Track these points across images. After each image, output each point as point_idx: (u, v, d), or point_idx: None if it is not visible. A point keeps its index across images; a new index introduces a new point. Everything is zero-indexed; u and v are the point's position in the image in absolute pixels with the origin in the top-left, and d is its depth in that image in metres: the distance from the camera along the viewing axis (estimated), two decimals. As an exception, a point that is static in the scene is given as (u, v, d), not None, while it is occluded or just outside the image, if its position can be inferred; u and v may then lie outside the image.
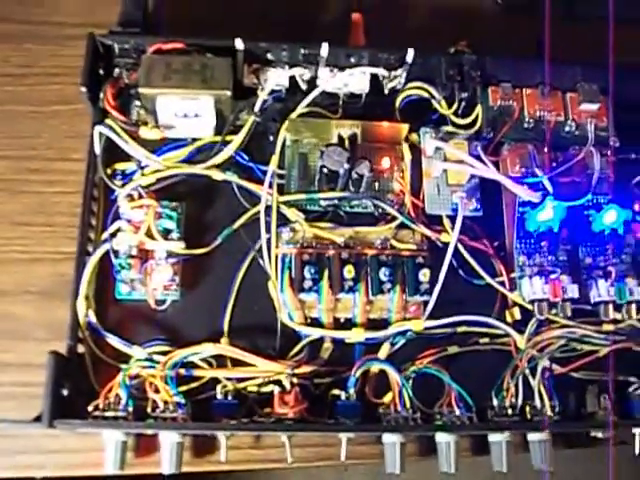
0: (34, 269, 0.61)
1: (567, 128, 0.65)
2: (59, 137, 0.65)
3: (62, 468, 0.57)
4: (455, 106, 0.64)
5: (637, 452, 0.59)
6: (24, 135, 0.65)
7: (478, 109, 0.64)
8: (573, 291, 0.59)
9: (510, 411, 0.58)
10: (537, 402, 0.57)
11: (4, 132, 0.65)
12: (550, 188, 0.59)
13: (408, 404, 0.56)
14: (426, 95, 0.65)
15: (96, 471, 0.56)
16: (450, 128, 0.63)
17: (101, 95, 0.60)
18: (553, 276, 0.59)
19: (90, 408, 0.54)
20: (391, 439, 0.55)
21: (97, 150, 0.59)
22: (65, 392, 0.53)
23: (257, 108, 0.61)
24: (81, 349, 0.57)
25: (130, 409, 0.54)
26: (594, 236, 0.62)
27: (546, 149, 0.63)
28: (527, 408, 0.58)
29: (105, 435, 0.54)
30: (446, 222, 0.62)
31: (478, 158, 0.60)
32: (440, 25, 0.73)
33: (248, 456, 0.58)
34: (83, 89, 0.59)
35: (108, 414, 0.54)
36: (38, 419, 0.52)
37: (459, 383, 0.58)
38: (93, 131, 0.59)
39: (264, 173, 0.60)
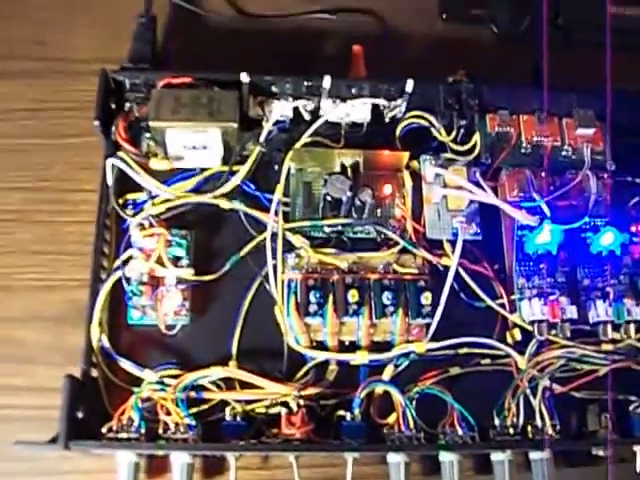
0: (48, 296, 0.63)
1: (564, 153, 0.66)
2: (72, 169, 0.67)
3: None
4: (454, 133, 0.66)
5: (638, 469, 0.60)
6: (38, 167, 0.67)
7: (476, 136, 0.65)
8: (572, 312, 0.60)
9: (512, 430, 0.59)
10: (538, 421, 0.59)
11: (19, 164, 0.67)
12: (547, 212, 0.61)
13: (412, 424, 0.57)
14: (426, 123, 0.66)
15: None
16: (449, 155, 0.65)
17: (113, 128, 0.62)
18: (552, 297, 0.61)
19: (104, 430, 0.55)
20: (396, 459, 0.57)
21: (109, 181, 0.62)
22: (80, 415, 0.55)
23: (262, 139, 0.63)
24: (95, 373, 0.58)
25: (142, 431, 0.56)
26: (592, 258, 0.63)
27: (543, 173, 0.64)
28: (528, 427, 0.59)
29: (118, 456, 0.56)
30: (447, 246, 0.63)
31: (477, 184, 0.62)
32: (438, 55, 0.75)
33: (257, 476, 0.60)
34: (96, 123, 0.61)
35: (121, 435, 0.55)
36: (54, 441, 0.53)
37: (461, 403, 0.59)
38: (105, 163, 0.61)
39: (270, 201, 0.62)
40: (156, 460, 0.59)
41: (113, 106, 0.64)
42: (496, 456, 0.58)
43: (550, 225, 0.60)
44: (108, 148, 0.63)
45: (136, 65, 0.65)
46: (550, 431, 0.58)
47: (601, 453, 0.59)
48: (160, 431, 0.56)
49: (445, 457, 0.57)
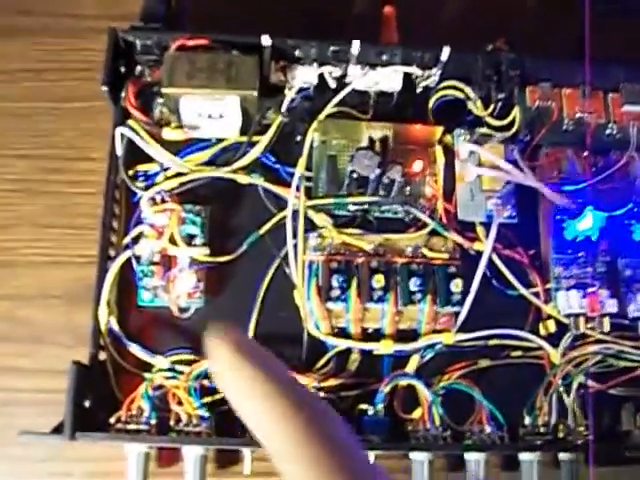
0: (55, 273, 0.59)
1: (608, 131, 0.61)
2: (79, 135, 0.62)
3: (87, 477, 0.56)
4: (491, 107, 0.60)
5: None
6: (43, 133, 0.63)
7: (515, 110, 0.60)
8: (612, 306, 0.56)
9: (542, 429, 0.55)
10: (570, 421, 0.55)
11: (23, 130, 0.62)
12: (590, 196, 0.56)
13: (438, 421, 0.54)
14: (461, 95, 0.61)
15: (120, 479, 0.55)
16: (485, 130, 0.60)
17: (122, 94, 0.57)
18: (591, 290, 0.57)
19: (112, 420, 0.52)
20: (420, 457, 0.53)
21: (119, 152, 0.57)
22: (87, 403, 0.51)
23: (284, 107, 0.58)
24: (103, 356, 0.55)
25: (153, 422, 0.52)
26: (635, 247, 0.59)
27: (586, 153, 0.60)
28: (560, 426, 0.55)
29: (128, 447, 0.53)
30: (480, 229, 0.59)
31: (515, 163, 0.57)
32: (476, 21, 0.69)
33: (272, 469, 0.56)
34: (104, 88, 0.56)
35: (130, 427, 0.52)
36: (60, 431, 0.50)
37: (490, 398, 0.55)
38: (114, 132, 0.57)
39: (291, 176, 0.57)
40: (167, 449, 0.56)
41: (123, 69, 0.58)
42: (524, 455, 0.55)
43: (592, 211, 0.55)
44: (117, 116, 0.58)
45: (148, 24, 0.59)
46: (583, 431, 0.55)
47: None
48: (172, 422, 0.53)
49: (471, 456, 0.54)
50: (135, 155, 0.58)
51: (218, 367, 0.26)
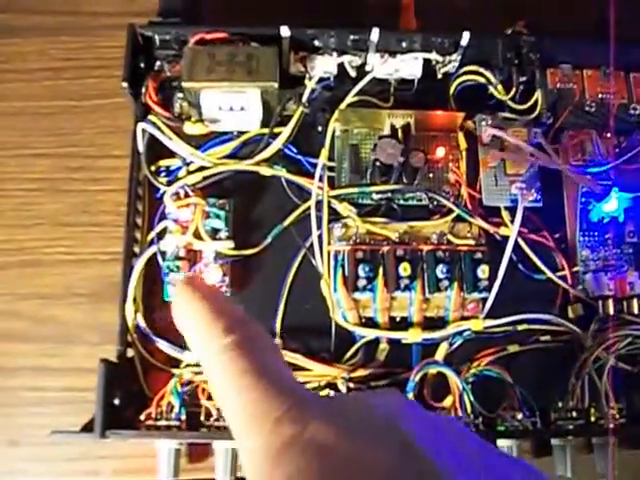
0: (80, 271, 0.59)
1: (631, 111, 0.60)
2: (100, 133, 0.62)
3: (117, 474, 0.55)
4: (513, 91, 0.59)
5: None
6: (64, 132, 0.62)
7: (537, 93, 0.59)
8: (641, 287, 0.55)
9: (575, 414, 0.54)
10: (603, 404, 0.54)
11: (44, 129, 0.62)
12: (614, 177, 0.55)
13: (469, 409, 0.53)
14: (482, 80, 0.60)
15: (151, 477, 0.54)
16: (508, 114, 0.59)
17: (142, 90, 0.57)
18: (619, 271, 0.56)
19: (142, 417, 0.52)
20: (452, 445, 0.52)
21: (140, 147, 0.56)
22: (117, 401, 0.51)
23: (305, 98, 0.57)
24: (131, 353, 0.54)
25: (183, 417, 0.52)
26: (662, 228, 0.58)
27: (609, 135, 0.59)
28: (592, 410, 0.54)
29: (158, 443, 0.52)
30: (504, 214, 0.57)
31: (538, 146, 0.56)
32: (496, 4, 0.67)
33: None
34: (124, 84, 0.55)
35: (160, 423, 0.52)
36: (89, 427, 0.49)
37: (520, 384, 0.54)
38: (136, 128, 0.56)
39: (313, 166, 0.57)
40: (198, 445, 0.55)
41: (142, 65, 0.57)
42: (557, 440, 0.54)
43: (618, 192, 0.54)
44: (138, 111, 0.57)
45: (166, 19, 0.58)
46: (616, 415, 0.54)
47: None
48: (202, 417, 0.52)
49: (503, 442, 0.53)
50: (157, 151, 0.57)
51: (174, 300, 0.28)
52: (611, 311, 0.55)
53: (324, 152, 0.56)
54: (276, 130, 0.57)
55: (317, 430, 0.23)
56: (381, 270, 0.54)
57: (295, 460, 0.23)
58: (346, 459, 0.22)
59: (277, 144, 0.57)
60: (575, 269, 0.57)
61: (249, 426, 0.24)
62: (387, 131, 0.57)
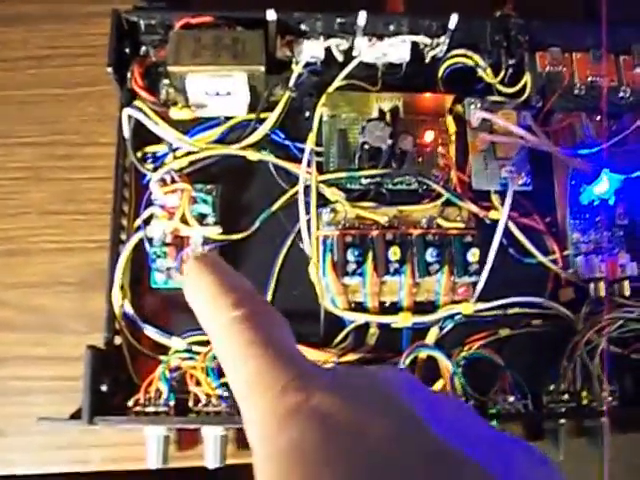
0: (66, 259, 0.58)
1: (621, 94, 0.59)
2: (86, 120, 0.61)
3: (106, 462, 0.55)
4: (502, 74, 0.59)
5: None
6: (49, 120, 0.61)
7: (526, 76, 0.58)
8: (633, 269, 0.55)
9: (566, 397, 0.53)
10: (595, 387, 0.53)
11: (29, 117, 0.61)
12: (605, 160, 0.55)
13: (460, 391, 0.52)
14: (470, 63, 0.59)
15: (140, 465, 0.54)
16: (497, 98, 0.58)
17: (128, 75, 0.56)
18: (610, 254, 0.55)
19: (130, 403, 0.51)
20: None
21: (126, 133, 0.55)
22: (104, 387, 0.50)
23: (292, 83, 0.56)
24: (118, 341, 0.54)
25: (171, 403, 0.51)
26: (653, 209, 0.57)
27: (599, 117, 0.58)
28: (584, 393, 0.53)
29: (147, 430, 0.52)
30: (494, 198, 0.57)
31: (528, 129, 0.55)
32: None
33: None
34: (109, 70, 0.54)
35: (149, 409, 0.51)
36: (77, 415, 0.49)
37: (512, 367, 0.54)
38: (121, 113, 0.55)
39: (301, 151, 0.56)
40: (187, 432, 0.54)
41: (127, 50, 0.57)
42: (549, 423, 0.54)
43: (608, 174, 0.54)
44: (123, 97, 0.56)
45: (151, 4, 0.57)
46: (608, 397, 0.53)
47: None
48: (190, 403, 0.52)
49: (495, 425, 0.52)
50: (143, 137, 0.56)
51: (186, 274, 0.29)
52: (602, 293, 0.54)
53: (312, 137, 0.56)
54: (263, 115, 0.57)
55: (321, 399, 0.24)
56: (370, 254, 0.54)
57: (299, 426, 0.23)
58: (348, 426, 0.23)
59: (264, 129, 0.57)
60: (566, 252, 0.57)
61: (254, 394, 0.24)
62: (375, 115, 0.57)
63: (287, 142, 0.57)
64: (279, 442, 0.23)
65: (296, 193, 0.55)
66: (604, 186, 0.54)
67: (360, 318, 0.54)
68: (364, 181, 0.57)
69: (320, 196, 0.56)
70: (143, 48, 0.57)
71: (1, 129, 0.60)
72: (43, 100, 0.61)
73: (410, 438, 0.23)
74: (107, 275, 0.53)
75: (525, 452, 0.25)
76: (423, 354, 0.54)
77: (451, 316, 0.55)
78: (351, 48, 0.58)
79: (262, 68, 0.54)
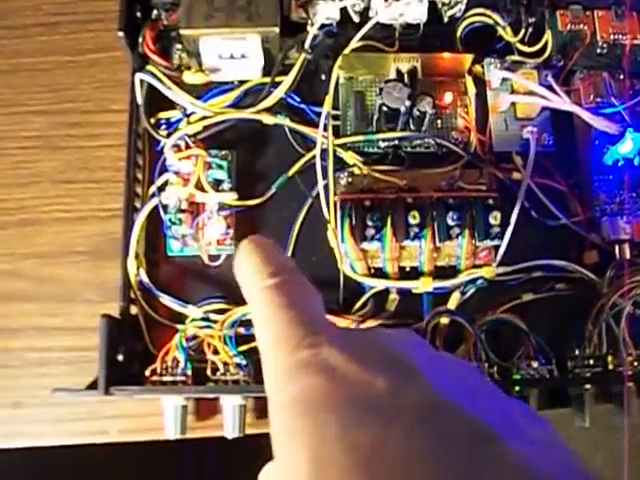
0: (79, 228, 0.55)
1: (644, 52, 0.56)
2: (98, 87, 0.58)
3: (123, 434, 0.52)
4: (522, 33, 0.56)
5: None
6: (60, 87, 0.58)
7: (547, 35, 0.55)
8: (659, 229, 0.52)
9: (592, 361, 0.51)
10: (621, 351, 0.50)
11: (39, 85, 0.58)
12: (629, 118, 0.52)
13: (484, 357, 0.50)
14: (490, 22, 0.56)
15: (158, 435, 0.51)
16: (517, 57, 0.55)
17: (140, 40, 0.53)
18: (635, 215, 0.52)
19: (147, 372, 0.49)
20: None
21: (139, 99, 0.53)
22: (120, 357, 0.48)
23: (307, 45, 0.53)
24: (134, 310, 0.51)
25: (189, 372, 0.49)
26: (679, 169, 0.54)
27: (622, 76, 0.55)
28: (609, 358, 0.51)
29: (164, 400, 0.49)
30: (516, 159, 0.54)
31: (549, 88, 0.52)
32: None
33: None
34: (120, 34, 0.52)
35: (166, 378, 0.49)
36: (94, 386, 0.47)
37: (535, 332, 0.51)
38: (133, 79, 0.53)
39: (317, 115, 0.53)
40: (205, 402, 0.52)
41: (139, 15, 0.54)
42: (574, 389, 0.51)
43: (633, 133, 0.51)
44: (136, 62, 0.54)
45: (162, -34, 0.55)
46: (634, 362, 0.51)
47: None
48: (208, 372, 0.49)
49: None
50: (156, 103, 0.54)
51: (237, 253, 0.31)
52: (627, 255, 0.52)
53: (328, 100, 0.53)
54: (278, 79, 0.54)
55: (329, 353, 0.25)
56: (389, 219, 0.51)
57: (308, 376, 0.25)
58: (353, 378, 0.24)
59: (279, 93, 0.54)
60: (590, 214, 0.54)
61: (273, 347, 0.26)
62: (393, 76, 0.54)
63: (303, 106, 0.55)
64: (290, 391, 0.25)
65: (313, 157, 0.53)
66: (628, 146, 0.51)
67: (380, 284, 0.52)
68: (382, 144, 0.54)
69: (337, 160, 0.53)
70: (154, 12, 0.54)
71: (12, 97, 0.58)
72: (54, 67, 0.58)
73: (410, 391, 0.24)
74: (122, 243, 0.51)
75: (523, 409, 0.26)
76: (445, 319, 0.51)
77: (473, 280, 0.52)
78: (367, 8, 0.55)
79: (277, 30, 0.51)
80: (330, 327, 0.28)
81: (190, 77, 0.53)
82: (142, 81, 0.53)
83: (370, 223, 0.51)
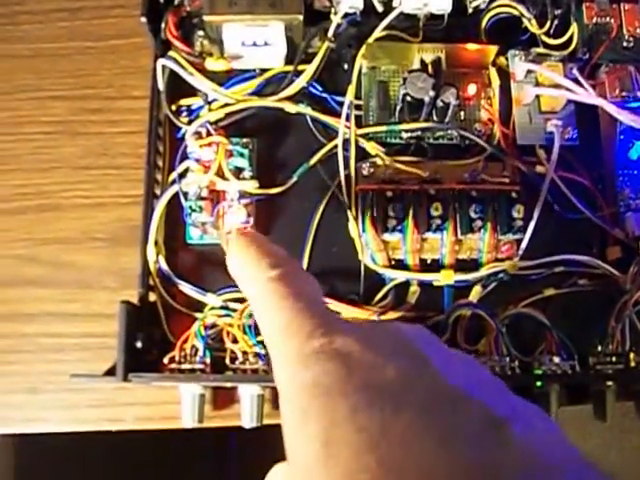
0: (98, 215, 0.54)
1: (671, 46, 0.55)
2: (119, 74, 0.57)
3: (140, 421, 0.51)
4: (547, 25, 0.54)
5: None
6: (82, 73, 0.57)
7: (573, 27, 0.54)
8: (684, 226, 0.50)
9: (614, 358, 0.49)
10: (644, 348, 0.49)
11: (60, 71, 0.57)
12: (655, 113, 0.50)
13: (505, 351, 0.48)
14: (515, 13, 0.55)
15: (175, 424, 0.50)
16: (542, 49, 0.54)
17: (162, 25, 0.52)
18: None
19: (166, 360, 0.48)
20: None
21: (160, 85, 0.52)
22: (139, 344, 0.47)
23: (330, 33, 0.52)
24: (152, 297, 0.50)
25: (207, 361, 0.48)
26: None
27: (648, 70, 0.54)
28: (632, 355, 0.49)
29: (182, 388, 0.48)
30: (540, 152, 0.53)
31: (575, 81, 0.51)
32: None
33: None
34: (143, 19, 0.51)
35: (184, 367, 0.47)
36: (111, 372, 0.46)
37: (557, 327, 0.50)
38: (155, 65, 0.52)
39: (340, 104, 0.52)
40: (223, 391, 0.51)
41: (161, 0, 0.53)
42: (595, 385, 0.50)
43: (659, 128, 0.50)
44: (158, 48, 0.53)
45: (185, -48, 0.53)
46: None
47: None
48: (227, 361, 0.48)
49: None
50: (177, 89, 0.53)
51: (230, 247, 0.32)
52: (651, 251, 0.50)
53: (351, 89, 0.52)
54: (301, 67, 0.53)
55: (343, 342, 0.25)
56: (411, 210, 0.50)
57: (322, 364, 0.25)
58: (365, 366, 0.24)
59: (301, 82, 0.53)
60: (614, 209, 0.52)
61: (284, 337, 0.26)
62: (416, 66, 0.52)
63: (325, 95, 0.54)
64: (303, 378, 0.25)
65: (334, 147, 0.52)
66: (655, 140, 0.50)
67: (401, 275, 0.51)
68: (404, 135, 0.53)
69: (359, 150, 0.52)
70: (177, -3, 0.53)
71: (33, 83, 0.57)
72: (75, 53, 0.57)
73: (421, 378, 0.24)
74: (141, 230, 0.50)
75: (532, 407, 0.26)
76: (466, 313, 0.50)
77: (494, 274, 0.51)
78: (391, -2, 0.53)
79: (300, 17, 0.50)
80: (339, 318, 0.28)
81: (212, 64, 0.52)
82: (164, 67, 0.52)
83: (392, 214, 0.49)
